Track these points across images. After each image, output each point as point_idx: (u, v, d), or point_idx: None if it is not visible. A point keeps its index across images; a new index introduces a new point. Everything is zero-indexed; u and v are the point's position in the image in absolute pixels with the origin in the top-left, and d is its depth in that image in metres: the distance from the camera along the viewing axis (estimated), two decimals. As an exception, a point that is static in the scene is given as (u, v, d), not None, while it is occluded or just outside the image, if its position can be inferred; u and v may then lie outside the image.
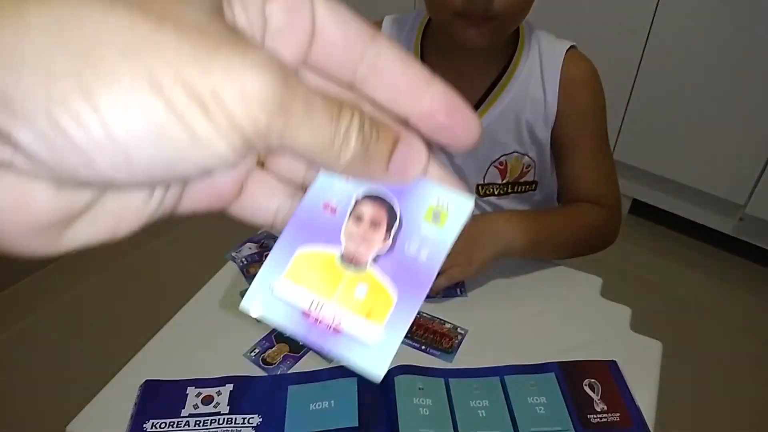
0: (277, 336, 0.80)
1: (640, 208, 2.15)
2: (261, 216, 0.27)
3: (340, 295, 0.24)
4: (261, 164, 0.26)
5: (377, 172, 0.23)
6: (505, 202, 1.01)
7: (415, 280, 0.25)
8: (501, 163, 0.97)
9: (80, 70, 0.16)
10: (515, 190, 1.00)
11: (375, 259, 0.25)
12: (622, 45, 1.92)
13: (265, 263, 0.24)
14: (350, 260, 0.25)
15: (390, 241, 0.25)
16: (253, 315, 0.23)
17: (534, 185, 1.01)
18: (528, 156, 0.96)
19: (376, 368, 0.23)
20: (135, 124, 0.16)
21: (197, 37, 0.17)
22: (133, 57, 0.16)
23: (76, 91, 0.16)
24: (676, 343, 0.84)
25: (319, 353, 0.77)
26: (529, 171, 0.98)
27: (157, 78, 0.16)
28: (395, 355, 0.24)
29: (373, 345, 0.24)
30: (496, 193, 1.00)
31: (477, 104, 0.93)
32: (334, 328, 0.24)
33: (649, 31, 1.87)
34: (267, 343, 0.79)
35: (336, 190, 0.25)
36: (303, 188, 0.27)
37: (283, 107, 0.18)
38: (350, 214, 0.25)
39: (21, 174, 0.18)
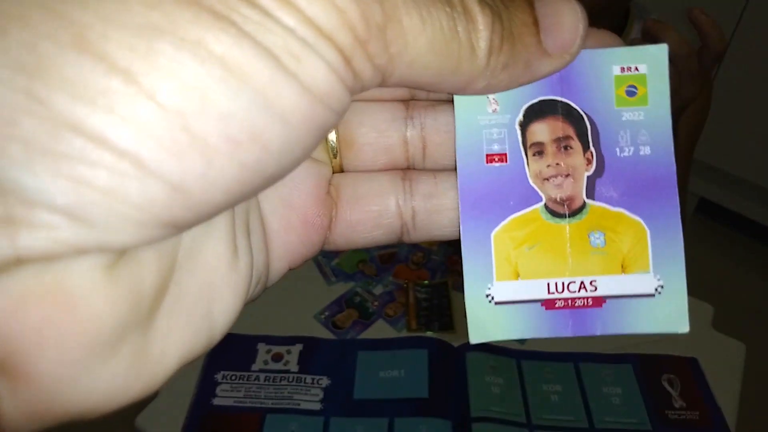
0: (347, 300, 0.80)
1: (707, 208, 2.07)
2: (380, 227, 0.20)
3: (576, 259, 0.18)
4: (339, 169, 0.20)
5: (532, 53, 0.16)
6: None
7: (656, 187, 0.18)
8: None
9: (69, 29, 0.11)
10: None
11: (590, 189, 0.18)
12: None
13: (465, 277, 0.18)
14: (561, 207, 0.18)
15: (593, 155, 0.18)
16: (492, 340, 0.18)
17: None
18: None
19: (674, 325, 0.18)
20: (177, 72, 0.11)
21: None
22: None
23: (86, 60, 0.11)
24: (751, 347, 0.80)
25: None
26: None
27: None
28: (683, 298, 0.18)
29: (653, 298, 0.18)
30: None
31: None
32: (592, 303, 0.18)
33: (736, 26, 1.78)
34: (337, 307, 0.79)
35: (487, 129, 0.18)
36: (411, 165, 0.20)
37: None
38: (526, 151, 0.18)
39: (49, 257, 0.11)
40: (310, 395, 0.68)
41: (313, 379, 0.70)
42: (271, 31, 0.12)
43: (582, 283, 0.18)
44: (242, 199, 0.13)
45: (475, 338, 0.18)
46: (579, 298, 0.18)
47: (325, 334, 0.76)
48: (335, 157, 0.19)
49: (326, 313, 0.78)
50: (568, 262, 0.18)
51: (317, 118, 0.13)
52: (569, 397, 0.68)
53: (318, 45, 0.12)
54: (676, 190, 0.18)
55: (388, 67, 0.14)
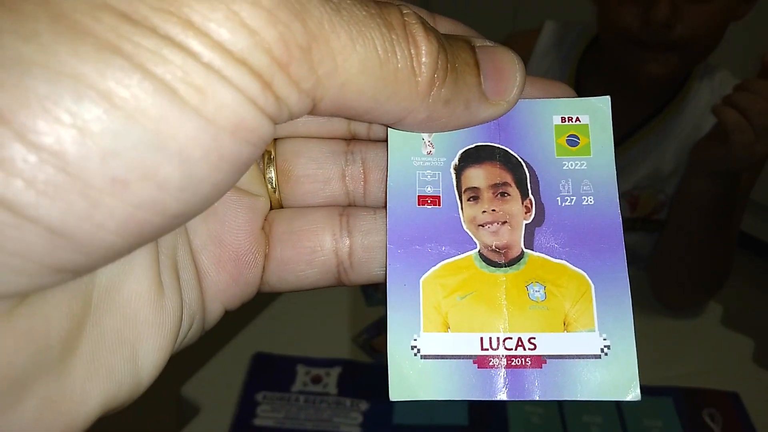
0: (385, 324, 0.80)
1: (748, 242, 2.01)
2: (314, 265, 0.18)
3: (513, 313, 0.17)
4: (278, 204, 0.19)
5: (473, 94, 0.16)
6: (631, 240, 0.92)
7: (600, 238, 0.17)
8: (633, 196, 0.90)
9: None
10: (644, 228, 0.92)
11: (529, 238, 0.17)
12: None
13: (389, 325, 0.17)
14: (497, 256, 0.17)
15: (533, 203, 0.18)
16: (416, 399, 0.16)
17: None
18: (664, 193, 0.89)
19: (623, 390, 0.16)
20: (51, 109, 0.10)
21: None
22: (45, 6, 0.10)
23: None
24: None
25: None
26: (661, 210, 0.91)
27: (73, 16, 0.10)
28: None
29: (598, 360, 0.16)
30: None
31: (627, 135, 0.86)
32: (531, 364, 0.16)
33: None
34: (375, 331, 0.79)
35: (421, 171, 0.18)
36: (352, 202, 0.19)
37: (294, 9, 0.12)
38: (460, 195, 0.18)
39: None
40: (350, 419, 0.68)
41: (352, 403, 0.70)
42: (167, 60, 0.11)
43: (519, 339, 0.16)
44: (149, 239, 0.12)
45: (395, 395, 0.16)
46: (516, 357, 0.16)
47: (362, 357, 0.76)
48: (275, 192, 0.19)
49: (364, 336, 0.79)
50: (503, 316, 0.17)
51: (227, 152, 0.12)
52: (609, 429, 0.68)
53: (228, 70, 0.11)
54: (623, 241, 0.17)
55: (317, 90, 0.13)
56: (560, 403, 0.70)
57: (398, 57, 0.14)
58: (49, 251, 0.11)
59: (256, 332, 0.79)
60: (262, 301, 0.83)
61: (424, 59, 0.14)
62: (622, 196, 0.90)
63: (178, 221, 0.13)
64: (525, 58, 0.91)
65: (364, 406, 0.70)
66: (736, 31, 0.78)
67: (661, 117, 0.85)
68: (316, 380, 0.73)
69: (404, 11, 0.15)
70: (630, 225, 0.92)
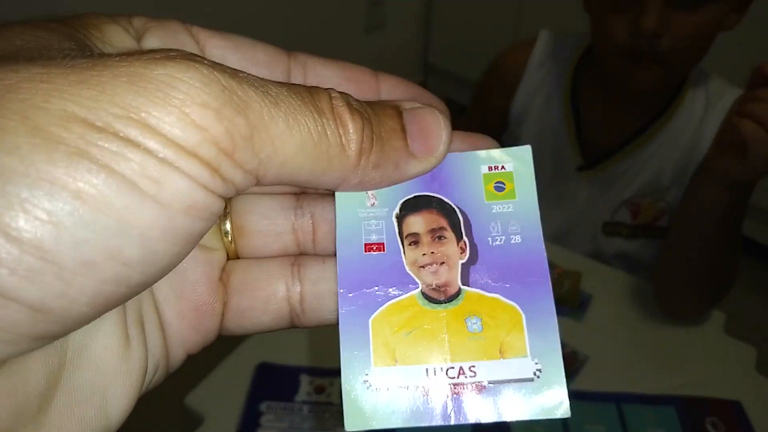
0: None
1: (752, 249, 1.99)
2: (270, 314, 0.20)
3: (453, 344, 0.18)
4: (234, 255, 0.21)
5: (400, 155, 0.18)
6: (633, 247, 0.93)
7: (528, 272, 0.19)
8: (634, 204, 0.90)
9: None
10: (646, 234, 0.92)
11: (465, 276, 0.19)
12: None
13: (342, 363, 0.18)
14: (437, 294, 0.19)
15: (467, 244, 0.19)
16: (367, 429, 0.18)
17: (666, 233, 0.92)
18: (664, 200, 0.89)
19: (554, 409, 0.17)
20: (30, 209, 0.12)
21: (82, 69, 0.13)
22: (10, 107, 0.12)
23: None
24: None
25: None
26: (662, 217, 0.91)
27: (47, 128, 0.12)
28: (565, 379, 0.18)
29: (532, 383, 0.18)
30: (623, 233, 0.92)
31: (624, 143, 0.87)
32: (472, 389, 0.18)
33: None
34: (378, 340, 0.80)
35: (366, 221, 0.20)
36: (303, 251, 0.21)
37: (237, 106, 0.14)
38: (402, 240, 0.20)
39: None
40: (353, 428, 0.69)
41: (355, 412, 0.70)
42: (128, 159, 0.13)
43: (461, 368, 0.18)
44: (116, 305, 0.14)
45: (350, 426, 0.18)
46: (458, 384, 0.18)
47: (366, 366, 0.76)
48: (231, 243, 0.20)
49: (367, 346, 0.79)
50: (446, 348, 0.18)
51: (181, 230, 0.14)
52: (612, 438, 0.68)
53: (180, 162, 0.13)
54: (548, 274, 0.19)
55: (260, 169, 0.15)
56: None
57: (329, 137, 0.16)
58: (30, 324, 0.13)
59: (259, 342, 0.80)
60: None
61: (351, 136, 0.16)
62: (624, 204, 0.90)
63: (141, 289, 0.15)
64: (521, 68, 0.92)
65: (367, 415, 0.70)
66: (730, 39, 0.78)
67: (657, 125, 0.86)
68: (320, 390, 0.73)
69: (332, 95, 0.17)
70: (632, 232, 0.92)
